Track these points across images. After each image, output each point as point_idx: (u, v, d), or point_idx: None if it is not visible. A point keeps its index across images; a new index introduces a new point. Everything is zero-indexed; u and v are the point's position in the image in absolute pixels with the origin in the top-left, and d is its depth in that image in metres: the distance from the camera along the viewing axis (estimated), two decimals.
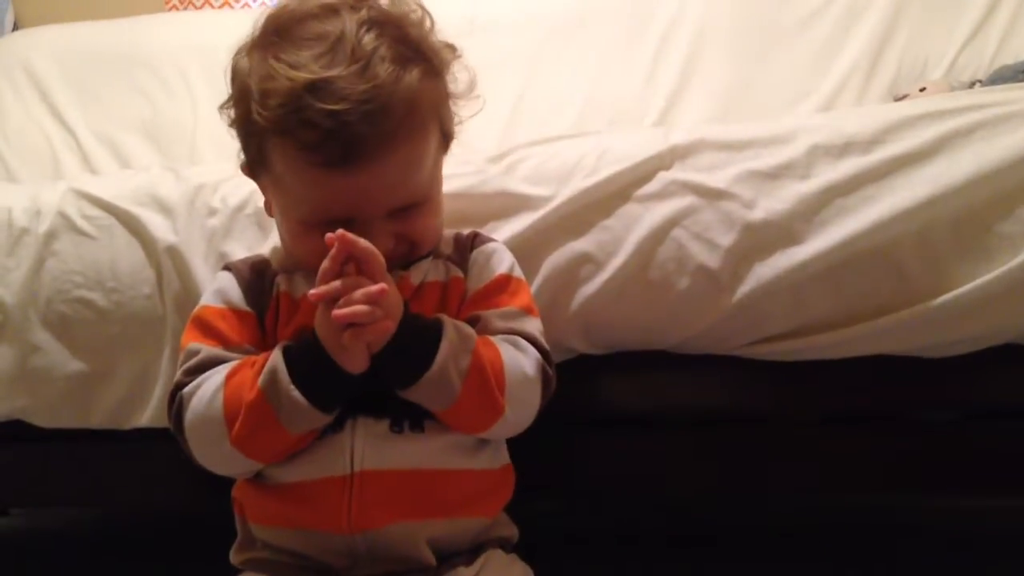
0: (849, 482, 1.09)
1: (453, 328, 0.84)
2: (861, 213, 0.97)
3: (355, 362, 0.80)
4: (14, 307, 1.10)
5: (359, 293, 0.77)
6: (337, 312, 0.76)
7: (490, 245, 0.96)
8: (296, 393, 0.80)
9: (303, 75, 0.80)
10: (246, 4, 2.38)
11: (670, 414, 1.09)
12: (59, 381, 1.10)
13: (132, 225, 1.11)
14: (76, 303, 1.10)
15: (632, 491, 1.14)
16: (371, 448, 0.84)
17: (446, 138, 0.94)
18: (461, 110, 0.93)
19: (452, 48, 0.91)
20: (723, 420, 1.09)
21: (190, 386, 0.85)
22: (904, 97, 1.58)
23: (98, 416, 1.11)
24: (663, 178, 1.03)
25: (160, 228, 1.10)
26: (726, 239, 0.99)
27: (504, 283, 0.93)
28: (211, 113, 1.91)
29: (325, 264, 0.79)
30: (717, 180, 1.01)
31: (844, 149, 1.00)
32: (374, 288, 0.77)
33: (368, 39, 0.83)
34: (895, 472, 1.07)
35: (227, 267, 0.96)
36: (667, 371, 1.06)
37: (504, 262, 0.95)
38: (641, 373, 1.08)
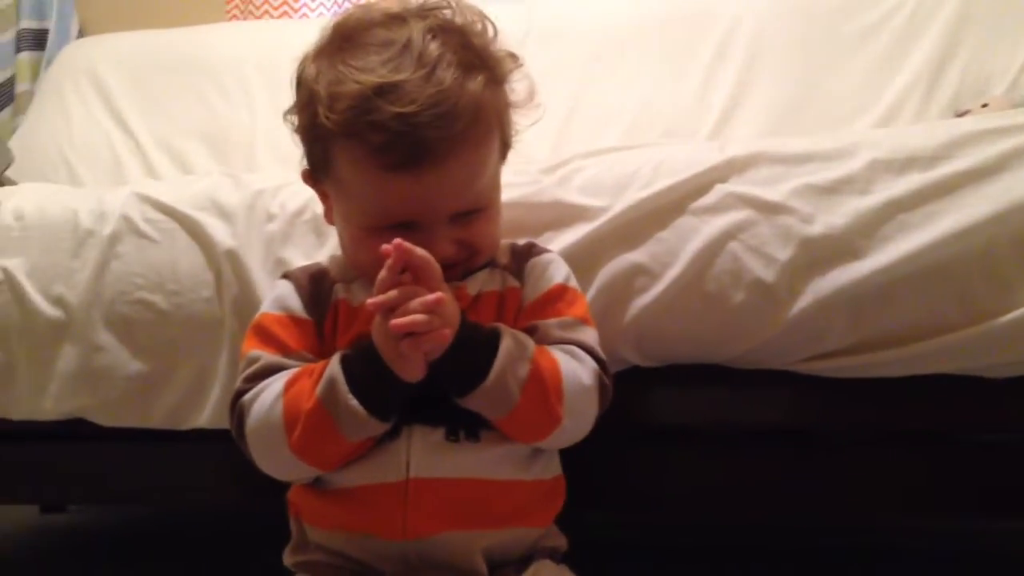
0: (905, 503, 1.07)
1: (511, 337, 0.85)
2: (923, 229, 0.96)
3: (412, 371, 0.81)
4: (79, 307, 1.13)
5: (416, 302, 0.78)
6: (395, 322, 0.77)
7: (546, 256, 0.96)
8: (354, 402, 0.81)
9: (371, 78, 0.82)
10: (304, 14, 2.41)
11: (723, 428, 1.08)
12: (120, 381, 1.12)
13: (193, 229, 1.13)
14: (138, 304, 1.12)
15: (682, 505, 1.13)
16: (425, 456, 0.84)
17: (505, 147, 0.95)
18: (520, 119, 0.94)
19: (514, 57, 0.93)
20: (777, 436, 1.08)
21: (250, 393, 0.87)
22: (966, 113, 1.56)
23: (157, 416, 1.13)
24: (720, 191, 1.02)
25: (220, 232, 1.12)
26: (783, 253, 0.98)
27: (561, 293, 0.93)
28: (270, 120, 1.98)
29: (382, 274, 0.79)
30: (774, 194, 1.00)
31: (906, 164, 0.99)
32: (431, 297, 0.78)
33: (434, 46, 0.85)
34: (953, 494, 1.06)
35: (286, 275, 0.97)
36: (721, 385, 1.05)
37: (560, 272, 0.95)
38: (694, 386, 1.07)
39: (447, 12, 0.90)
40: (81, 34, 2.54)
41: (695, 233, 1.01)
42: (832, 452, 1.07)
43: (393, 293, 0.79)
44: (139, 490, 1.23)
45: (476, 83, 0.86)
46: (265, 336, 0.91)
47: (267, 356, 0.89)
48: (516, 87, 0.93)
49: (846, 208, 0.98)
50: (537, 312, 0.92)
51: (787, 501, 1.10)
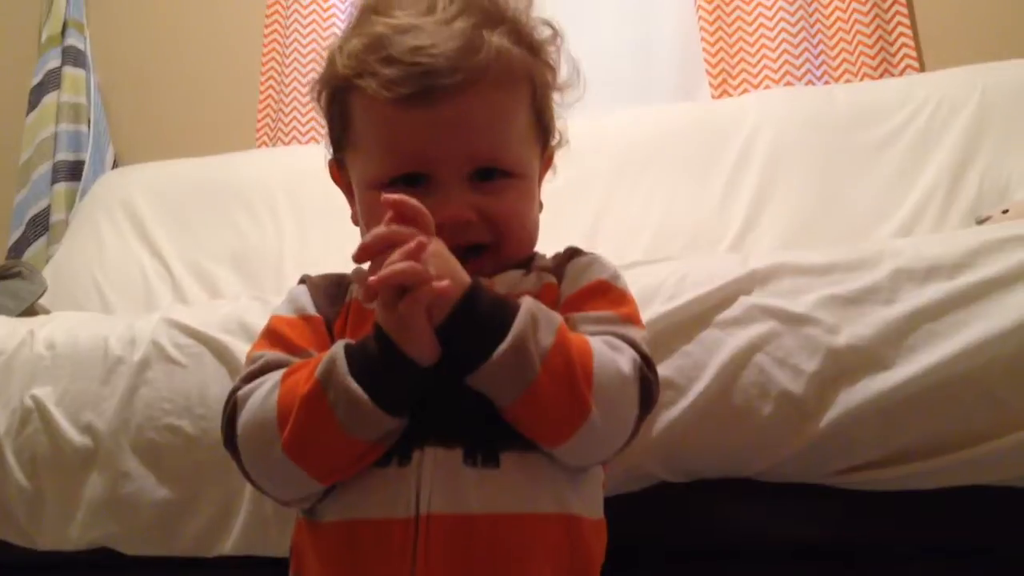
0: None
1: (534, 303, 0.75)
2: (951, 339, 0.95)
3: (419, 341, 0.72)
4: (107, 435, 1.13)
5: (397, 252, 0.70)
6: (372, 279, 0.69)
7: (590, 255, 0.89)
8: (354, 385, 0.71)
9: (393, 21, 0.81)
10: None
11: (755, 546, 1.05)
12: (146, 508, 1.11)
13: (221, 353, 1.14)
14: (165, 430, 1.12)
15: None
16: (441, 486, 0.73)
17: (543, 129, 0.91)
18: (562, 103, 0.92)
19: (552, 29, 0.90)
20: (813, 553, 1.05)
21: (245, 389, 0.78)
22: (987, 219, 1.56)
23: (183, 543, 1.11)
24: (744, 303, 1.02)
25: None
26: (810, 364, 0.98)
27: (603, 288, 0.84)
28: (297, 242, 2.01)
29: (372, 233, 0.73)
30: (799, 305, 1.00)
31: (928, 273, 0.99)
32: (411, 243, 0.70)
33: (457, 6, 0.83)
34: None
35: (303, 280, 0.91)
36: (752, 500, 1.03)
37: (606, 270, 0.87)
38: (725, 502, 1.04)
39: None
40: (116, 164, 2.62)
41: (721, 346, 1.01)
42: (870, 569, 1.04)
43: (367, 238, 0.72)
44: None
45: (501, 36, 0.83)
46: (270, 336, 0.84)
47: (269, 354, 0.81)
48: (558, 71, 0.91)
49: (871, 318, 0.98)
50: (573, 306, 0.82)
51: None
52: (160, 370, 1.15)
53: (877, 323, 0.97)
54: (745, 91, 2.20)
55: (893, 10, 2.13)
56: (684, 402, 1.00)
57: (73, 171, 2.56)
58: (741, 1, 2.24)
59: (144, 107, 2.69)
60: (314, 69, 2.46)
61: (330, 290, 0.88)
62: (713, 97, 2.23)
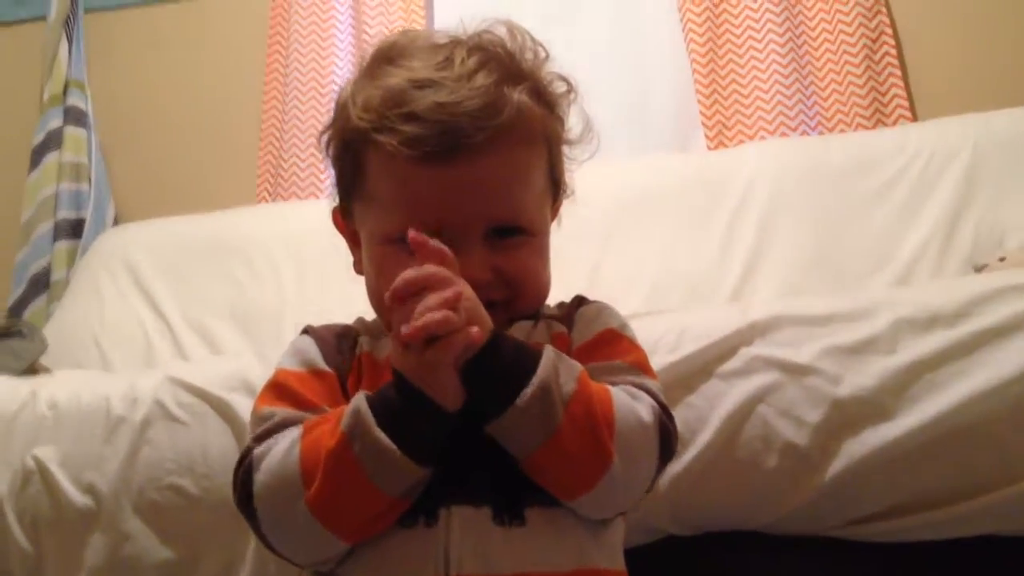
0: None
1: (555, 351, 0.74)
2: (952, 389, 0.95)
3: (444, 388, 0.70)
4: (109, 496, 1.12)
5: (432, 299, 0.68)
6: (408, 330, 0.67)
7: (598, 304, 0.88)
8: (381, 435, 0.69)
9: (410, 74, 0.80)
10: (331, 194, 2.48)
11: None
12: (148, 570, 1.10)
13: (224, 411, 1.13)
14: (167, 490, 1.11)
15: None
16: (471, 546, 0.71)
17: (556, 185, 0.91)
18: (573, 157, 0.92)
19: (567, 84, 0.90)
20: None
21: (262, 446, 0.75)
22: (984, 267, 1.57)
23: None
24: (745, 354, 1.03)
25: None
26: (813, 415, 0.98)
27: (613, 338, 0.83)
28: (297, 296, 2.01)
29: (404, 275, 0.70)
30: (800, 356, 1.01)
31: (929, 323, 0.99)
32: (448, 292, 0.68)
33: (475, 60, 0.81)
34: None
35: (306, 331, 0.88)
36: (760, 553, 1.02)
37: (614, 318, 0.86)
38: (733, 555, 1.04)
39: (497, 35, 0.86)
40: (116, 221, 2.62)
41: (723, 398, 1.01)
42: None
43: (399, 281, 0.70)
44: None
45: (520, 93, 0.82)
46: (280, 391, 0.80)
47: (282, 411, 0.77)
48: (572, 127, 0.91)
49: (873, 368, 0.98)
50: (585, 356, 0.80)
51: None
52: (162, 429, 1.14)
53: (879, 373, 0.98)
54: (740, 142, 2.21)
55: (884, 61, 2.16)
56: (689, 455, 1.00)
57: (74, 229, 2.56)
58: (735, 53, 2.27)
59: (144, 165, 2.70)
60: (313, 126, 2.47)
61: (338, 343, 0.85)
62: (709, 148, 2.25)
